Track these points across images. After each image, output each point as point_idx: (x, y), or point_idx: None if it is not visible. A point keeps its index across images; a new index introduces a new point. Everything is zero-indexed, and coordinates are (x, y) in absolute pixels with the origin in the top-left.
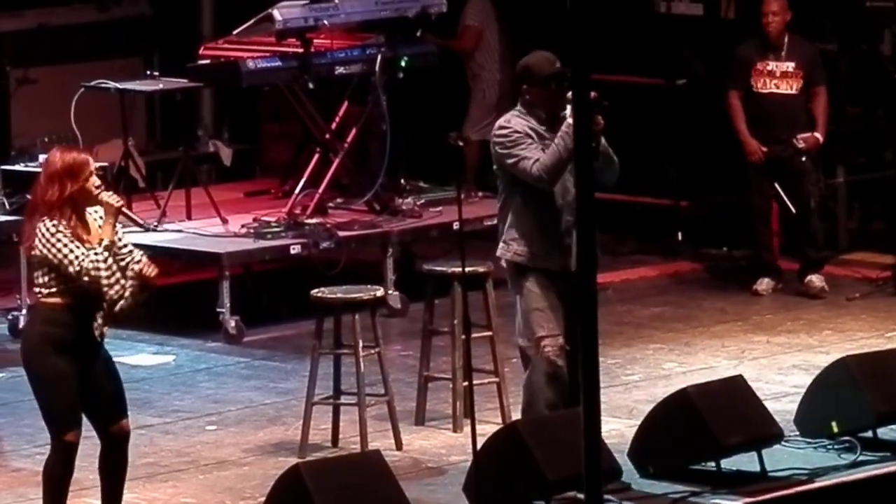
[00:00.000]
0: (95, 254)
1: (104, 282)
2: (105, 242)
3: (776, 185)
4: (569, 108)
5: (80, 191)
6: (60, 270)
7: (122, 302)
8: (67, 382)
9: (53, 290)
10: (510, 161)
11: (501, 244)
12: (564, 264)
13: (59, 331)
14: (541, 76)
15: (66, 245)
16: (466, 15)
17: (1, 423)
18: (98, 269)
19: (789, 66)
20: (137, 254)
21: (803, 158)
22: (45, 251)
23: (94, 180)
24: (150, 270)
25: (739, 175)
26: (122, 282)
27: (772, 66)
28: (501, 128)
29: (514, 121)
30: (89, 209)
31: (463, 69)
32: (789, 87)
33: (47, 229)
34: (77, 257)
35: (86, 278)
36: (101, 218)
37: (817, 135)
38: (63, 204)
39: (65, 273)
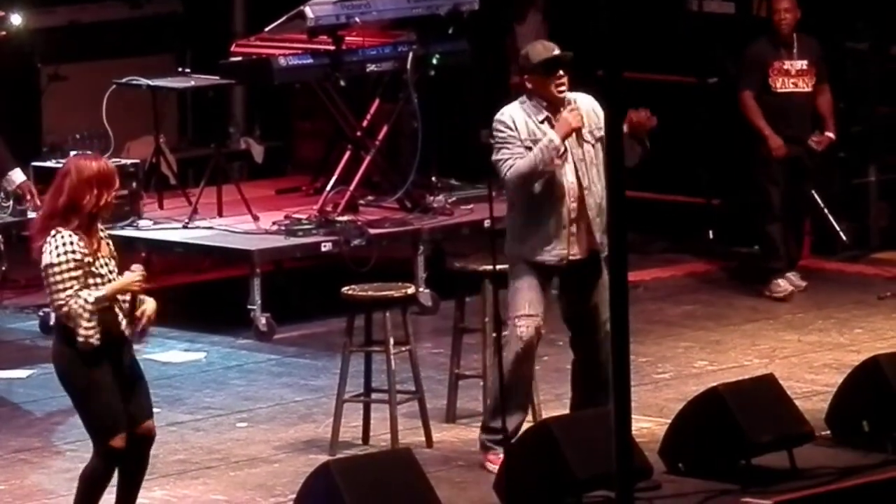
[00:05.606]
0: (86, 300)
1: (81, 330)
2: (102, 293)
3: None
4: (571, 103)
5: (109, 203)
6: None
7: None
8: (106, 390)
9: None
10: (494, 157)
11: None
12: (565, 255)
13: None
14: (537, 62)
15: (70, 276)
16: (520, 39)
17: (32, 419)
18: (81, 315)
19: (802, 63)
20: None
21: (817, 159)
22: (50, 267)
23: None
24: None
25: (753, 174)
26: (98, 328)
27: (787, 64)
28: (497, 121)
29: (511, 113)
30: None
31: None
32: (805, 85)
33: (64, 244)
34: (69, 295)
35: (63, 310)
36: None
37: (830, 135)
38: (91, 213)
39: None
